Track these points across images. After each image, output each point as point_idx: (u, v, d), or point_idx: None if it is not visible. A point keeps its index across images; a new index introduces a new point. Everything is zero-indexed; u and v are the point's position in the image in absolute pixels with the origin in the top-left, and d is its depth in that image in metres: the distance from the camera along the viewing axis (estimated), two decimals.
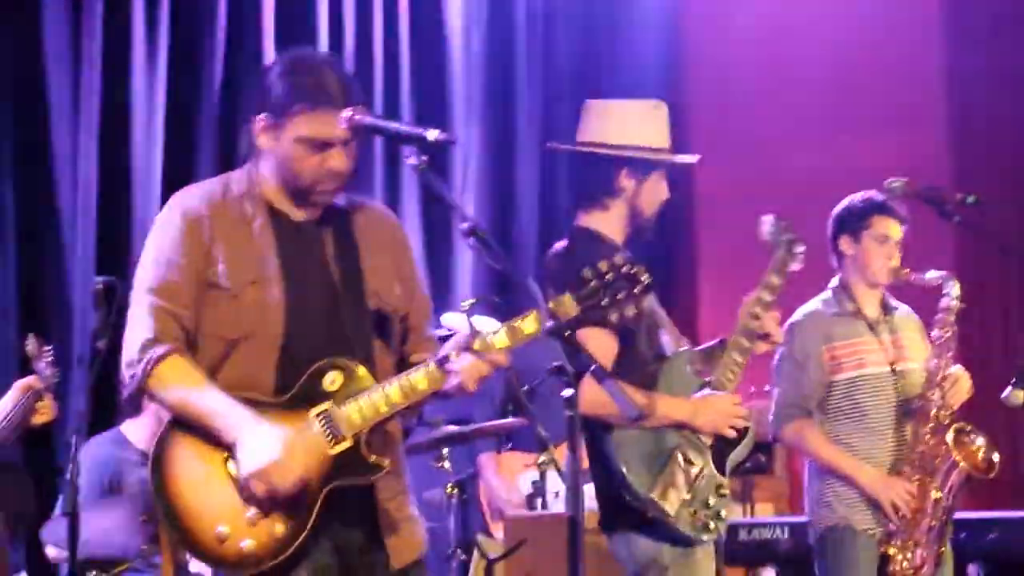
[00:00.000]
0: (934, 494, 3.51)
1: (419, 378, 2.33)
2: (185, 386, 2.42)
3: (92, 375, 3.65)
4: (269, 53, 5.08)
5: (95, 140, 4.73)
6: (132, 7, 4.83)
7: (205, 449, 2.44)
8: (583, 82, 5.68)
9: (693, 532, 2.96)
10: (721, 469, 2.98)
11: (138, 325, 2.44)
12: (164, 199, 3.71)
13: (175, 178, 4.61)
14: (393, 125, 2.46)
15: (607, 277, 2.30)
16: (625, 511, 2.96)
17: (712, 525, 2.98)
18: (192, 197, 2.54)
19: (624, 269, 2.30)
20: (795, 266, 3.04)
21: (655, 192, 3.14)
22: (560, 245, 3.14)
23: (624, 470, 2.91)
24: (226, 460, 2.41)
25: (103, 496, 4.15)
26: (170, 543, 3.53)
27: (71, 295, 4.67)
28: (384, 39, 5.45)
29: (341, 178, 2.46)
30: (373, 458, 2.41)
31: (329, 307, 2.52)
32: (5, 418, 3.37)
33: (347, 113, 2.31)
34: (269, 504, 2.35)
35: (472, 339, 2.24)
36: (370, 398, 2.36)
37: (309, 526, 2.37)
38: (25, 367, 3.91)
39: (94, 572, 3.76)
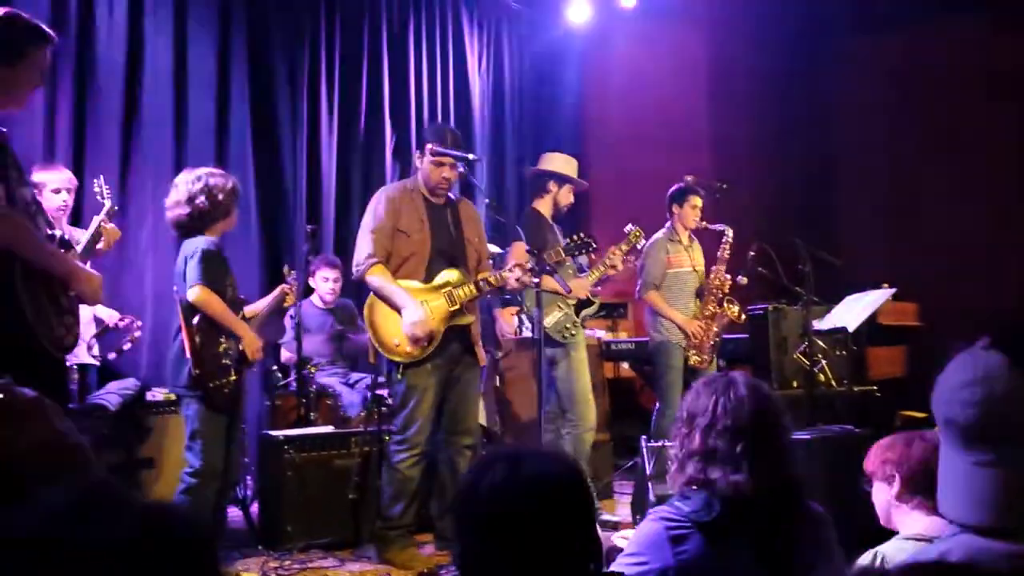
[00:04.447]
0: (713, 328, 5.44)
1: (491, 280, 4.08)
2: (384, 280, 4.08)
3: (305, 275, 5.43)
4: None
5: (305, 157, 6.38)
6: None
7: (388, 308, 4.07)
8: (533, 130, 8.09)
9: (563, 339, 4.83)
10: (577, 314, 4.84)
11: (364, 246, 4.10)
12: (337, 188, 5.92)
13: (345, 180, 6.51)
14: (452, 151, 4.21)
15: (578, 239, 4.23)
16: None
17: (568, 336, 4.81)
18: (391, 188, 4.28)
19: (584, 238, 4.23)
20: (625, 248, 4.93)
21: (566, 196, 5.14)
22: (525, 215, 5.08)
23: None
24: (399, 311, 4.04)
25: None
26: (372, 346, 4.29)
27: (294, 234, 6.22)
28: (444, 108, 7.46)
29: (450, 181, 4.18)
30: (467, 314, 4.12)
31: (450, 244, 4.19)
32: (268, 305, 4.49)
33: (431, 147, 4.18)
34: (423, 341, 3.93)
35: (510, 268, 4.09)
36: (469, 287, 4.07)
37: (437, 342, 4.06)
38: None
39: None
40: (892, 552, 2.10)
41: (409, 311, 3.98)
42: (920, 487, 2.18)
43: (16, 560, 0.80)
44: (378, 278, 4.06)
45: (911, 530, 2.18)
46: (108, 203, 3.72)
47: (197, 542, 0.88)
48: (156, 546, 0.83)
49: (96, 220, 3.61)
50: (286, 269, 4.75)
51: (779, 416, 1.94)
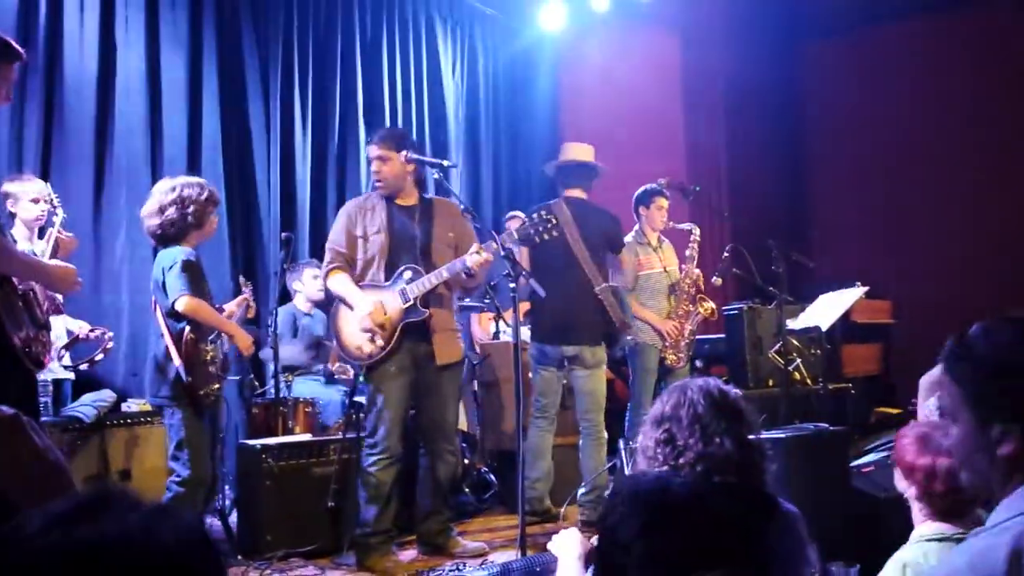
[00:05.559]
0: (687, 327, 5.48)
1: (442, 272, 4.02)
2: (340, 283, 4.21)
3: (280, 282, 5.38)
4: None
5: (278, 165, 6.35)
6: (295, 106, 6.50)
7: (349, 311, 4.14)
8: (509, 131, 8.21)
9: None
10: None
11: (326, 257, 4.27)
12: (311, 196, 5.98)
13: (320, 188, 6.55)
14: (427, 158, 4.40)
15: (537, 219, 4.08)
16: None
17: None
18: (350, 203, 4.38)
19: (545, 215, 4.06)
20: None
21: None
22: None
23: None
24: (358, 316, 4.11)
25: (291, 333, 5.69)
26: (333, 352, 5.01)
27: (267, 242, 6.21)
28: (418, 114, 7.47)
29: (381, 175, 4.21)
30: (424, 310, 4.12)
31: (412, 243, 4.22)
32: (238, 315, 4.42)
33: (406, 152, 4.28)
34: (378, 333, 4.06)
35: (471, 256, 3.98)
36: (422, 282, 4.08)
37: (393, 342, 4.10)
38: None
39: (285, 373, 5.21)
40: (915, 557, 2.08)
41: (359, 307, 4.06)
42: (932, 501, 2.15)
43: (26, 559, 0.79)
44: (336, 282, 4.15)
45: (929, 530, 2.16)
46: (61, 213, 3.72)
47: (206, 543, 0.87)
48: (171, 545, 0.83)
49: (52, 232, 3.60)
50: (242, 280, 4.75)
51: (732, 410, 1.92)
